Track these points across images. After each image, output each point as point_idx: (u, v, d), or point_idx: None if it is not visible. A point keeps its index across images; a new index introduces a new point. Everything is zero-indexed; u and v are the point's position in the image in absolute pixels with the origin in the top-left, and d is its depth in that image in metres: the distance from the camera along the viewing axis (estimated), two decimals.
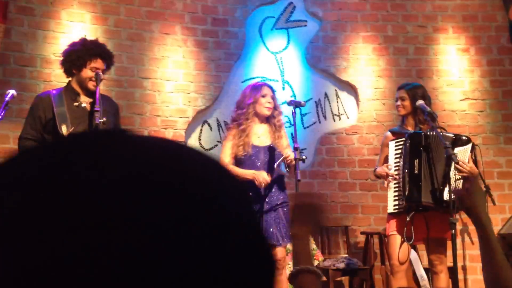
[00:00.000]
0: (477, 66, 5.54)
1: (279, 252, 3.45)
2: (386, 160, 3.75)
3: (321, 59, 5.51)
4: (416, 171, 3.47)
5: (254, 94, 3.60)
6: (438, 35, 5.60)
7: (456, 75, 5.51)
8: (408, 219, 3.45)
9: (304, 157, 3.47)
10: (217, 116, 5.29)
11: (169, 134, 5.13)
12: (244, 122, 3.54)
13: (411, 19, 5.60)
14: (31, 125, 3.30)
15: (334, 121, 5.46)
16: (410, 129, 3.73)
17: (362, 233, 5.10)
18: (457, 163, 3.24)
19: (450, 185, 3.34)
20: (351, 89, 5.50)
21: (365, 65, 5.51)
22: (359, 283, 4.95)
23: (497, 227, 5.09)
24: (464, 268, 5.09)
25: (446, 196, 3.39)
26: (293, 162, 3.45)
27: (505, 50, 5.53)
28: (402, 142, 3.61)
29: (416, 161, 3.48)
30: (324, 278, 4.76)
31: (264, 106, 3.59)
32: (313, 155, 5.32)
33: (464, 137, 3.62)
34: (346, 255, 4.97)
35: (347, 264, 4.67)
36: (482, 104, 5.48)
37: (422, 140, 3.51)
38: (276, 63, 5.45)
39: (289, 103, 3.55)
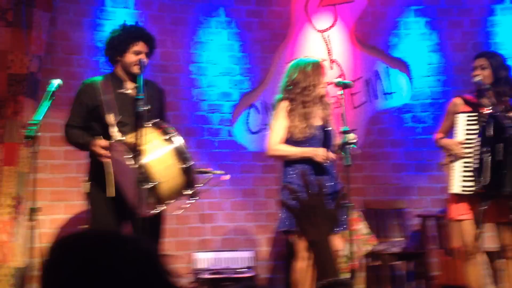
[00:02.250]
0: None
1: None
2: (450, 128, 3.48)
3: (371, 36, 5.29)
4: (500, 157, 3.18)
5: (317, 76, 3.40)
6: (495, 6, 5.27)
7: None
8: (486, 207, 3.22)
9: (355, 140, 3.28)
10: (264, 99, 5.18)
11: (216, 118, 5.07)
12: (308, 105, 3.36)
13: None
14: (77, 112, 3.28)
15: (386, 99, 5.26)
16: (488, 102, 3.37)
17: (417, 216, 4.90)
18: None
19: None
20: (403, 66, 5.27)
21: (417, 40, 5.26)
22: (415, 268, 4.78)
23: None
24: None
25: None
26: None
27: None
28: (477, 118, 3.31)
29: (501, 146, 3.17)
30: (378, 262, 4.62)
31: (323, 87, 3.42)
32: (363, 136, 5.15)
33: None
34: (402, 239, 4.80)
35: (403, 248, 4.51)
36: None
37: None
38: (324, 41, 5.27)
39: (337, 84, 3.37)
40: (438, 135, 3.62)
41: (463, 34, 5.24)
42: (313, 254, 1.32)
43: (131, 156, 2.86)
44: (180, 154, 2.96)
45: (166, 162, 2.95)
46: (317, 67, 3.45)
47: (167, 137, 2.99)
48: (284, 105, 3.41)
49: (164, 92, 3.53)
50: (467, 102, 3.49)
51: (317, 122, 3.40)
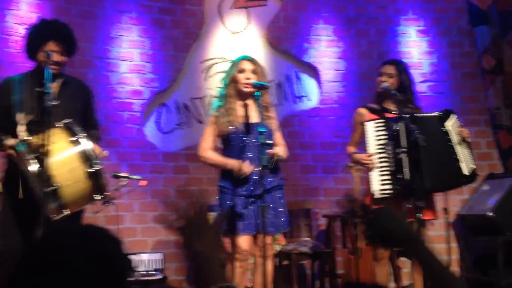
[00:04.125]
0: (437, 48, 5.54)
1: (245, 240, 3.27)
2: (361, 139, 3.59)
3: (282, 40, 5.38)
4: (415, 156, 3.27)
5: (230, 72, 3.34)
6: (399, 17, 5.56)
7: (416, 57, 5.49)
8: (410, 206, 3.24)
9: (269, 141, 3.27)
10: (176, 98, 5.10)
11: (125, 117, 4.92)
12: (231, 100, 3.29)
13: (372, 0, 5.53)
14: None
15: (295, 103, 5.37)
16: (395, 107, 3.51)
17: (324, 216, 5.06)
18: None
19: (459, 158, 3.42)
20: (313, 71, 5.41)
21: (326, 46, 5.42)
22: (321, 266, 4.93)
23: (456, 208, 5.15)
24: None
25: (464, 170, 3.42)
26: (275, 158, 3.26)
27: (464, 32, 5.54)
28: (385, 124, 3.41)
29: (414, 146, 3.25)
30: (287, 262, 4.71)
31: (241, 82, 3.31)
32: None
33: (443, 111, 3.55)
34: (309, 239, 4.93)
35: (310, 248, 4.63)
36: (441, 86, 5.49)
37: (417, 122, 3.32)
38: (236, 43, 5.28)
39: (253, 85, 3.35)
40: (350, 149, 3.72)
41: (369, 43, 5.47)
42: (197, 264, 1.42)
43: (33, 157, 2.71)
44: (87, 157, 2.83)
45: (69, 164, 2.79)
46: (232, 63, 3.42)
47: (73, 138, 2.85)
48: (215, 106, 3.36)
49: (90, 90, 3.34)
50: (372, 111, 3.62)
51: (250, 119, 3.32)
